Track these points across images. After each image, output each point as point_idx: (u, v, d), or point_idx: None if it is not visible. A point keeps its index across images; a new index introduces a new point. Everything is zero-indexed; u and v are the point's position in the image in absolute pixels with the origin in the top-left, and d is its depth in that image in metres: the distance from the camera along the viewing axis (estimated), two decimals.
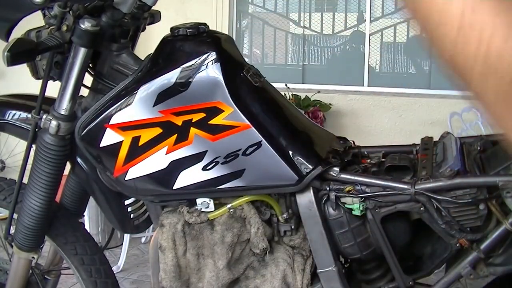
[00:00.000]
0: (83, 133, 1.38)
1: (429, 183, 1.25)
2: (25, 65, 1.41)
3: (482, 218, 1.24)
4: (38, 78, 1.45)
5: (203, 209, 1.37)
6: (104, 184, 1.45)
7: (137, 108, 1.33)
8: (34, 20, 1.40)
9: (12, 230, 1.59)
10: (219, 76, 1.30)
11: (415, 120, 3.72)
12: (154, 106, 1.32)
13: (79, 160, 1.50)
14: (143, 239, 3.46)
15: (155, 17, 1.57)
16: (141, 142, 1.33)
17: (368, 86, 3.98)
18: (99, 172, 1.45)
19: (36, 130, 1.44)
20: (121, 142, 1.35)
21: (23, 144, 1.50)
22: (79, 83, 1.39)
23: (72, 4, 1.32)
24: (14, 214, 1.56)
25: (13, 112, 1.58)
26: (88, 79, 1.44)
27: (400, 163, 1.38)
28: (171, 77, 1.32)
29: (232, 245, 1.36)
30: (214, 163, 1.31)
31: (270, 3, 4.33)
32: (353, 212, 1.30)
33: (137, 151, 1.34)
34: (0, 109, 1.59)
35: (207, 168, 1.31)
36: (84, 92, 1.46)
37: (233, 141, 1.30)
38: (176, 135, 1.31)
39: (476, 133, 2.66)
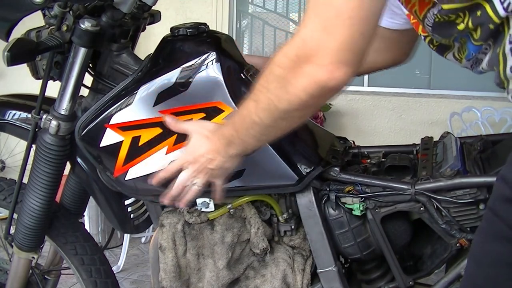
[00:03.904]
0: (83, 133, 1.38)
1: (429, 183, 1.25)
2: (25, 65, 1.40)
3: (481, 218, 1.24)
4: (38, 78, 1.45)
5: (203, 209, 1.37)
6: (104, 184, 1.45)
7: (137, 108, 1.33)
8: (34, 20, 1.40)
9: (12, 230, 1.59)
10: (219, 76, 1.30)
11: (415, 120, 3.72)
12: (154, 106, 1.32)
13: (79, 160, 1.50)
14: (143, 239, 3.46)
15: (155, 17, 1.57)
16: (141, 142, 1.33)
17: (368, 86, 3.98)
18: (99, 172, 1.45)
19: (36, 130, 1.44)
20: (121, 142, 1.35)
21: (23, 144, 1.50)
22: (79, 83, 1.39)
23: (72, 4, 1.32)
24: (14, 214, 1.56)
25: (13, 112, 1.58)
26: (88, 79, 1.44)
27: (400, 163, 1.38)
28: (171, 77, 1.31)
29: (232, 245, 1.36)
30: None
31: (270, 3, 4.33)
32: (353, 212, 1.30)
33: (137, 151, 1.34)
34: (0, 109, 1.59)
35: None
36: (84, 92, 1.46)
37: None
38: (176, 135, 1.31)
39: (476, 133, 2.66)
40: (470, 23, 0.96)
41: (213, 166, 1.14)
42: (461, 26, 0.97)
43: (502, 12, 0.91)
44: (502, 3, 0.90)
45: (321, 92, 0.89)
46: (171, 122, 1.25)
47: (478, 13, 0.93)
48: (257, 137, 1.06)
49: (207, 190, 1.34)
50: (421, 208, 1.26)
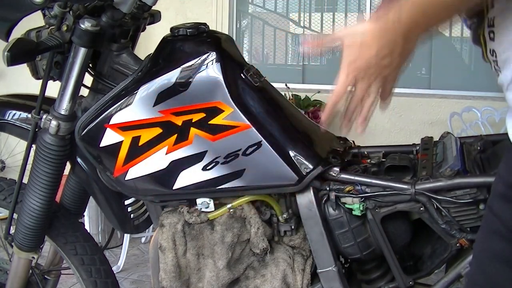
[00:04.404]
0: (83, 133, 1.38)
1: (429, 183, 1.25)
2: (25, 65, 1.41)
3: (482, 218, 1.24)
4: (38, 78, 1.45)
5: (203, 209, 1.37)
6: (104, 184, 1.46)
7: (137, 108, 1.33)
8: (34, 20, 1.40)
9: (12, 230, 1.59)
10: (219, 76, 1.30)
11: (415, 120, 3.72)
12: (154, 106, 1.32)
13: (79, 160, 1.50)
14: (143, 239, 3.46)
15: (155, 17, 1.57)
16: (141, 142, 1.33)
17: None
18: (99, 172, 1.45)
19: (36, 130, 1.44)
20: (121, 142, 1.35)
21: (23, 144, 1.50)
22: (79, 83, 1.39)
23: (72, 4, 1.32)
24: (14, 214, 1.56)
25: (13, 112, 1.58)
26: (88, 79, 1.44)
27: (400, 163, 1.38)
28: (171, 77, 1.32)
29: (232, 245, 1.36)
30: (214, 163, 1.31)
31: (270, 3, 4.34)
32: (353, 212, 1.30)
33: (137, 151, 1.34)
34: (0, 109, 1.59)
35: (207, 168, 1.32)
36: (84, 92, 1.46)
37: (233, 141, 1.30)
38: (176, 135, 1.31)
39: (476, 133, 2.66)
40: None
41: (390, 61, 0.98)
42: None
43: None
44: None
45: None
46: (315, 41, 1.04)
47: None
48: (447, 12, 0.92)
49: (208, 190, 1.34)
50: (421, 208, 1.26)
